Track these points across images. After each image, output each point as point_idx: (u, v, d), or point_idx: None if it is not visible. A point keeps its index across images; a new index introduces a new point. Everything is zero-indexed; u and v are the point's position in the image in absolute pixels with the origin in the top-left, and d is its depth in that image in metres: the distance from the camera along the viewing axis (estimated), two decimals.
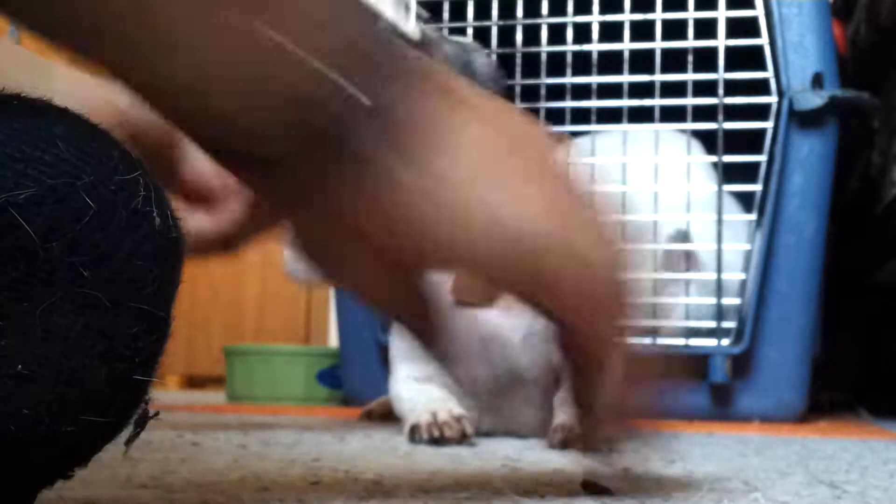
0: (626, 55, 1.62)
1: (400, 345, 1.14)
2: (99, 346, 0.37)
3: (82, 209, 0.36)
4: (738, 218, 1.58)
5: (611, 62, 1.63)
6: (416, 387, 1.10)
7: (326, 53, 0.37)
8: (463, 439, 0.98)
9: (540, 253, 0.40)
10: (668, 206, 1.59)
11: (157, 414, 0.42)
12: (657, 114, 1.62)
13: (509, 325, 1.07)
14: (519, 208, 0.40)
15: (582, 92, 1.62)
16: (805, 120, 1.51)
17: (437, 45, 1.04)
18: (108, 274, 0.37)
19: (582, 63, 1.63)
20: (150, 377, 0.40)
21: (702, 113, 1.58)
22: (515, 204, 0.40)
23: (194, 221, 0.65)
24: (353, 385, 1.70)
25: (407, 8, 0.50)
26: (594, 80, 1.62)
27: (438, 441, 0.97)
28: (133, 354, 0.38)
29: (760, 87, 1.54)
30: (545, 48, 1.62)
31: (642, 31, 1.59)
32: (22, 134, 0.36)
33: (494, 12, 1.64)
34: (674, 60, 1.60)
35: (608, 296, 0.43)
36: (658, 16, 1.59)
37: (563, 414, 1.01)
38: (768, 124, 1.52)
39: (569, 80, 1.63)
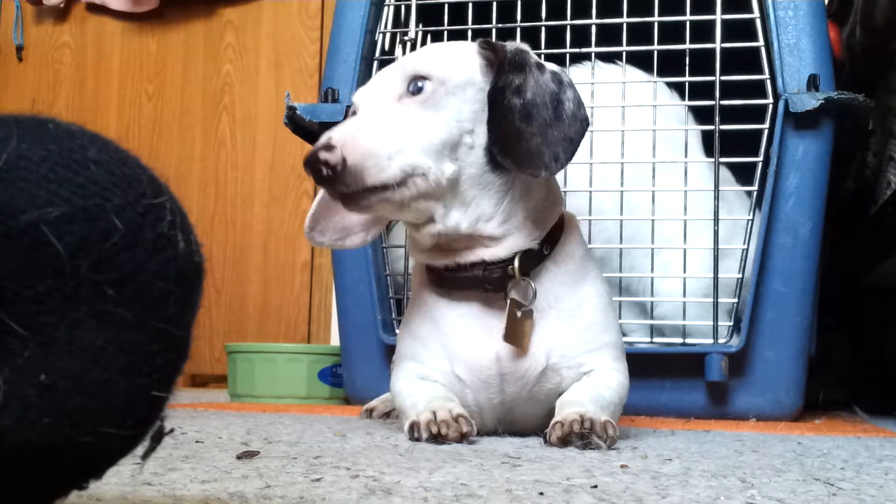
0: (624, 57, 1.63)
1: (407, 341, 1.15)
2: (119, 361, 0.38)
3: (110, 230, 0.37)
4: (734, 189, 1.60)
5: (611, 60, 1.65)
6: (418, 384, 1.11)
7: None
8: (462, 438, 0.99)
9: None
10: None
11: (171, 430, 0.43)
12: (655, 115, 1.63)
13: (530, 359, 1.08)
14: None
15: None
16: (800, 121, 1.52)
17: (532, 70, 1.06)
18: (131, 293, 0.38)
19: None
20: (167, 393, 0.41)
21: (699, 115, 1.58)
22: None
23: None
24: (355, 383, 1.71)
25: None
26: (593, 80, 1.63)
27: (437, 438, 0.98)
28: (152, 371, 0.39)
29: (757, 89, 1.55)
30: (544, 51, 1.62)
31: (639, 33, 1.60)
32: (56, 155, 0.37)
33: (494, 14, 1.65)
34: (671, 63, 1.61)
35: None
36: (655, 19, 1.60)
37: (563, 412, 1.02)
38: (764, 126, 1.53)
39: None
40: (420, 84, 1.04)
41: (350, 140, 0.99)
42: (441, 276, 1.10)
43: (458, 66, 1.07)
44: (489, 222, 1.07)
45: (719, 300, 1.52)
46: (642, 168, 1.61)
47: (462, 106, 1.05)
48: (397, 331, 1.63)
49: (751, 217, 1.55)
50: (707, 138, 1.65)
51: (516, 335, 1.07)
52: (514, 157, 1.03)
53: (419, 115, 1.03)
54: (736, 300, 1.54)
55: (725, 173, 1.64)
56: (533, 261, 1.09)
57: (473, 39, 1.66)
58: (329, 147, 0.98)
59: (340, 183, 0.99)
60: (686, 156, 1.60)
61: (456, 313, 1.10)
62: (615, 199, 1.61)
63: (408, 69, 1.05)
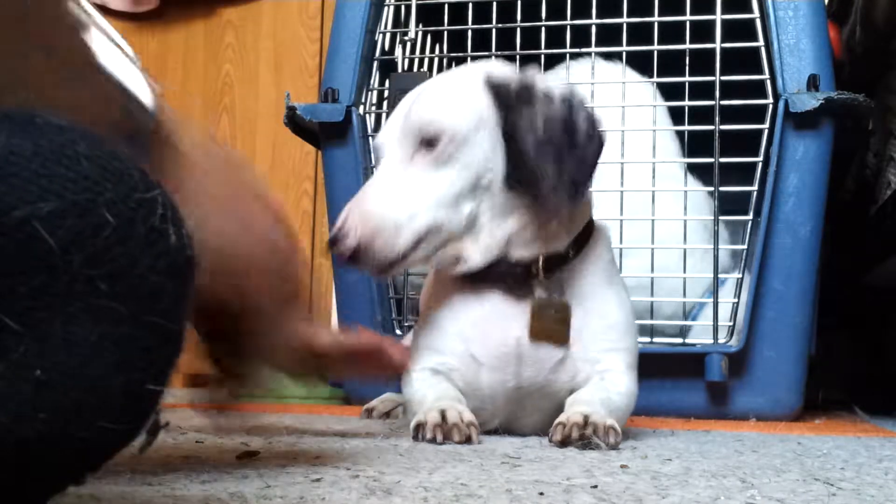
0: (624, 58, 1.63)
1: (423, 331, 1.15)
2: (114, 356, 0.38)
3: (103, 224, 0.37)
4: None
5: (610, 58, 1.65)
6: (430, 379, 1.10)
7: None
8: (467, 442, 0.98)
9: (239, 255, 0.62)
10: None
11: (167, 424, 0.43)
12: (655, 115, 1.63)
13: (549, 349, 1.08)
14: (229, 230, 0.61)
15: None
16: (800, 121, 1.52)
17: (541, 102, 1.05)
18: (124, 287, 0.38)
19: None
20: (162, 387, 0.41)
21: (699, 115, 1.59)
22: (227, 227, 0.61)
23: None
24: (355, 384, 1.71)
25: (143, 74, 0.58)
26: (593, 81, 1.63)
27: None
28: (147, 365, 0.39)
29: (757, 89, 1.55)
30: (544, 51, 1.63)
31: (640, 33, 1.60)
32: (47, 151, 0.37)
33: (494, 14, 1.65)
34: (671, 63, 1.61)
35: (275, 277, 0.67)
36: (655, 19, 1.60)
37: (569, 411, 1.01)
38: (764, 126, 1.53)
39: (567, 82, 1.64)
40: (432, 140, 1.04)
41: (361, 221, 1.01)
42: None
43: (469, 112, 1.05)
44: (516, 240, 1.07)
45: (719, 301, 1.52)
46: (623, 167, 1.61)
47: (476, 152, 1.04)
48: (398, 331, 1.63)
49: (750, 217, 1.55)
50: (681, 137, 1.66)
51: (547, 331, 1.07)
52: (535, 197, 1.04)
53: (432, 175, 1.04)
54: (735, 300, 1.54)
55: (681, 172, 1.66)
56: (558, 261, 1.09)
57: (474, 39, 1.67)
58: (344, 233, 1.01)
59: (362, 263, 1.02)
60: (656, 156, 1.61)
61: (477, 297, 1.10)
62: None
63: (421, 123, 1.05)
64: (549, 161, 1.02)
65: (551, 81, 1.10)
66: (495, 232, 1.06)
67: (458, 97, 1.07)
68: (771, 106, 1.53)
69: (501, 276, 1.09)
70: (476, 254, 1.07)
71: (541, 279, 1.07)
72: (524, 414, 1.12)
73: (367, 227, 1.01)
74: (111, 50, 0.54)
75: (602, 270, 1.13)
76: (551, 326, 1.07)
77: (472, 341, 1.09)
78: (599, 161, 1.06)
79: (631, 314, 1.15)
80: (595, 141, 1.05)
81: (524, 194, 1.06)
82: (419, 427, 1.00)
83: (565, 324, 1.08)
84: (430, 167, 1.04)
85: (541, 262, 1.07)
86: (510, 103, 1.05)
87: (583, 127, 1.05)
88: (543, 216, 1.07)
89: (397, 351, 0.87)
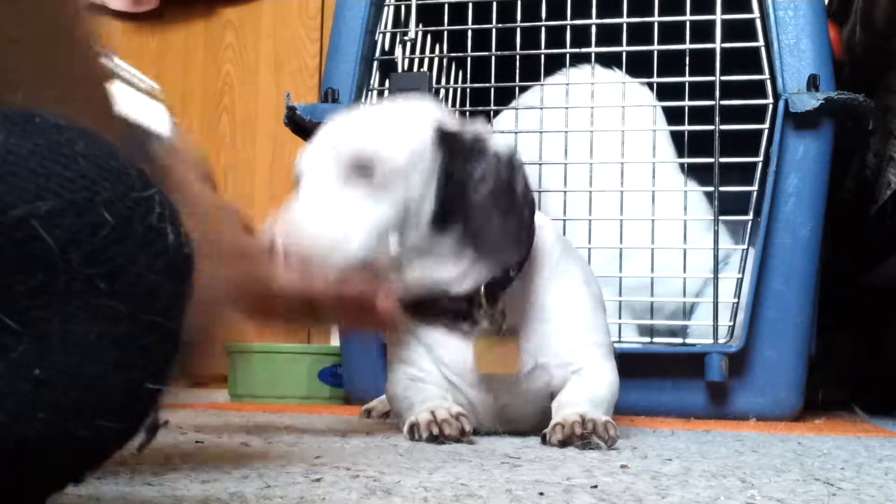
0: (624, 58, 1.63)
1: (396, 347, 1.15)
2: (113, 355, 0.38)
3: (100, 223, 0.38)
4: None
5: (609, 65, 1.65)
6: (412, 386, 1.11)
7: None
8: (462, 436, 0.99)
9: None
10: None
11: (166, 422, 0.43)
12: (655, 115, 1.63)
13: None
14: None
15: None
16: (800, 121, 1.52)
17: (490, 160, 1.02)
18: (122, 286, 0.38)
19: None
20: (161, 386, 0.41)
21: (699, 115, 1.59)
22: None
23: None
24: (354, 384, 1.71)
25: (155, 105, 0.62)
26: (592, 81, 1.63)
27: (438, 438, 0.98)
28: (145, 364, 0.40)
29: (757, 89, 1.55)
30: (543, 51, 1.63)
31: (640, 34, 1.60)
32: (44, 150, 0.37)
33: (494, 14, 1.65)
34: (671, 63, 1.61)
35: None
36: (655, 19, 1.60)
37: (561, 413, 1.02)
38: (764, 126, 1.53)
39: (567, 82, 1.64)
40: (368, 168, 1.00)
41: (293, 243, 0.96)
42: (404, 304, 1.09)
43: (408, 147, 1.02)
44: (444, 273, 1.05)
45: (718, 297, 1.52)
46: (614, 169, 1.62)
47: (410, 187, 1.01)
48: None
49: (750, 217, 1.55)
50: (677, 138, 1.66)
51: (493, 363, 1.07)
52: (486, 255, 1.03)
53: (368, 202, 1.00)
54: (737, 299, 1.54)
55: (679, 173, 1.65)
56: (500, 284, 1.08)
57: (474, 39, 1.67)
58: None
59: None
60: (655, 156, 1.61)
61: (431, 329, 1.11)
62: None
63: (358, 149, 1.02)
64: (494, 221, 1.01)
65: (497, 137, 1.09)
66: (420, 269, 1.04)
67: (400, 130, 1.04)
68: (771, 106, 1.53)
69: (445, 310, 1.08)
70: (403, 283, 1.04)
71: (485, 309, 1.07)
72: (509, 419, 1.13)
73: (299, 249, 0.96)
74: (131, 94, 0.58)
75: (552, 273, 1.12)
76: (498, 359, 1.07)
77: (441, 365, 1.10)
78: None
79: (594, 307, 1.15)
80: (528, 204, 1.05)
81: (448, 236, 1.04)
82: (413, 428, 1.01)
83: (513, 353, 1.07)
84: (366, 193, 1.00)
85: (482, 293, 1.06)
86: (463, 154, 1.02)
87: (520, 189, 1.04)
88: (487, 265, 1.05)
89: (388, 304, 0.91)
